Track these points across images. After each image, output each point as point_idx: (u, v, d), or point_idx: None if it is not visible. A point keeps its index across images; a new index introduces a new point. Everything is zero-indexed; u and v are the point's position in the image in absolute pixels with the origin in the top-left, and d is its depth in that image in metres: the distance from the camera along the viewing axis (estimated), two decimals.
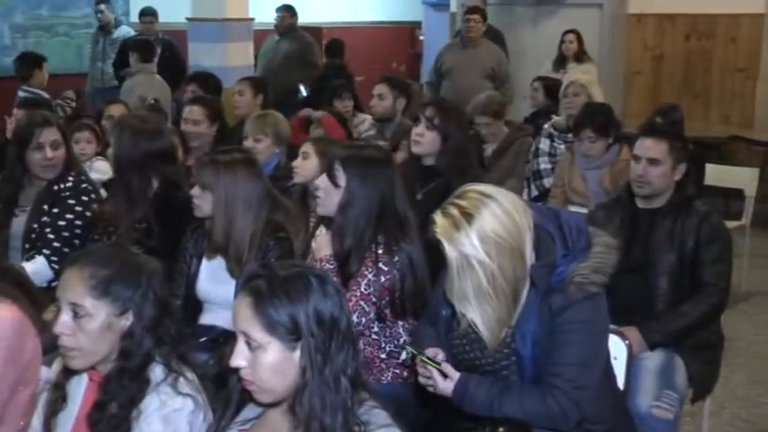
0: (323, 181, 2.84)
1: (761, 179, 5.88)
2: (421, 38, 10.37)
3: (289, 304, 1.77)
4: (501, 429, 2.22)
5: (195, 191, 3.09)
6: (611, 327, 2.86)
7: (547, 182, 5.02)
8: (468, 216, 2.18)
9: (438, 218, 2.22)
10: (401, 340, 2.80)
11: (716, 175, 5.61)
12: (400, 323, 2.80)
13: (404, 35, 9.06)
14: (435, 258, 2.73)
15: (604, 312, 2.31)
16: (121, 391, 1.97)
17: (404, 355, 2.37)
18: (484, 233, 2.16)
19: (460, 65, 7.06)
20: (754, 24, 7.71)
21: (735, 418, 3.99)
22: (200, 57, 7.63)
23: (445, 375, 2.28)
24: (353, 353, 1.81)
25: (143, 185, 3.43)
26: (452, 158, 3.59)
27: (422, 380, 2.33)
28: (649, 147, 3.23)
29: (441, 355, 2.33)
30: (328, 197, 2.82)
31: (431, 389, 2.32)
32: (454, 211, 2.20)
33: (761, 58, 7.73)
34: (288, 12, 8.43)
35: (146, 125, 3.58)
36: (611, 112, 4.64)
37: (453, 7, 9.10)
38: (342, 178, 2.77)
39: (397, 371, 2.80)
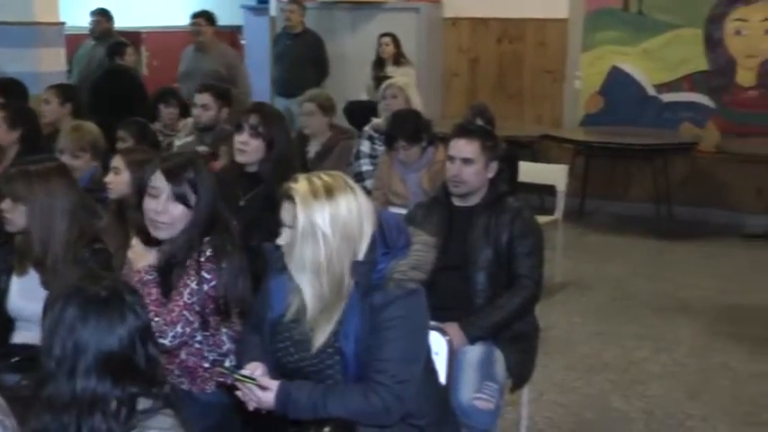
0: (166, 204, 2.68)
1: (570, 175, 6.19)
2: (243, 42, 10.29)
3: None
4: (326, 429, 2.23)
5: (5, 204, 2.94)
6: (433, 323, 2.93)
7: (369, 183, 5.08)
8: (330, 192, 2.24)
9: (301, 181, 2.27)
10: (225, 348, 2.76)
11: (530, 172, 5.79)
12: (224, 330, 2.77)
13: (225, 40, 8.97)
14: (257, 265, 2.73)
15: (423, 308, 2.37)
16: None
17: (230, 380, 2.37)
18: (337, 213, 2.23)
19: (194, 69, 7.19)
20: (560, 29, 8.09)
21: (553, 403, 4.15)
22: (6, 62, 7.26)
23: (265, 388, 2.28)
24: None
25: None
26: (276, 165, 3.54)
27: (241, 396, 2.33)
28: (462, 147, 3.33)
29: (259, 370, 2.33)
30: (174, 220, 2.69)
31: (252, 405, 2.31)
32: (318, 182, 2.26)
33: (566, 61, 8.13)
34: (103, 16, 8.16)
35: None
36: (420, 117, 4.74)
37: (273, 11, 9.08)
38: (189, 196, 2.68)
39: (221, 379, 2.77)
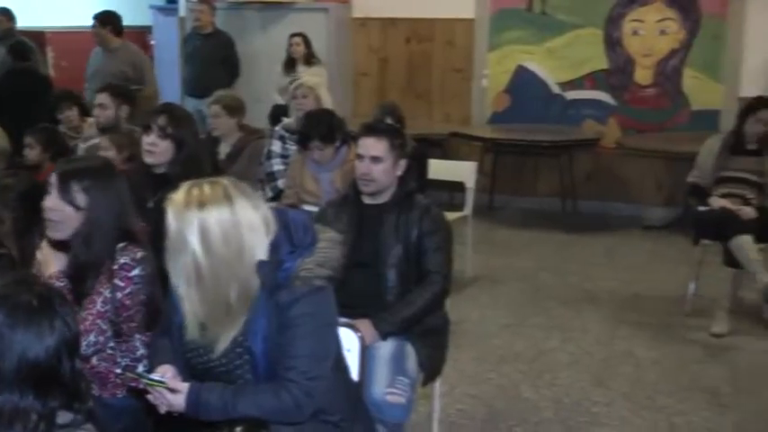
0: (55, 202, 2.68)
1: (479, 172, 6.32)
2: (152, 42, 10.16)
3: None
4: (237, 429, 2.25)
5: None
6: (345, 320, 2.98)
7: (280, 183, 5.12)
8: (202, 204, 2.22)
9: (180, 191, 2.26)
10: (138, 353, 2.76)
11: (439, 169, 5.89)
12: (137, 336, 2.77)
13: (134, 40, 8.82)
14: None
15: (331, 304, 2.39)
16: None
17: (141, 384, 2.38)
18: (205, 226, 2.21)
19: (100, 69, 7.14)
20: (467, 29, 8.24)
21: (464, 395, 4.24)
22: None
23: (175, 390, 2.29)
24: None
25: None
26: (186, 166, 3.52)
27: (152, 400, 2.34)
28: (370, 145, 3.36)
29: (169, 373, 2.34)
30: (64, 219, 2.67)
31: (164, 408, 2.32)
32: (195, 192, 2.24)
33: (474, 60, 8.28)
34: (4, 15, 7.98)
35: None
36: (334, 118, 4.77)
37: (182, 11, 9.00)
38: (78, 197, 2.66)
39: (133, 384, 2.76)
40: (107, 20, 7.23)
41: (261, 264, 2.27)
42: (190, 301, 2.27)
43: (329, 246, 2.39)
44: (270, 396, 2.27)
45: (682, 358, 4.75)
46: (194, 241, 2.21)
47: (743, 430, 3.94)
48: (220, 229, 2.22)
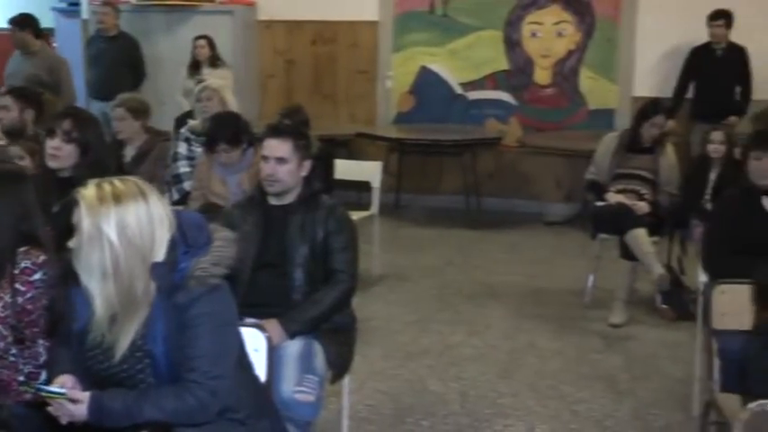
0: None
1: (385, 171, 6.42)
2: (55, 45, 9.97)
3: None
4: None
5: None
6: (252, 320, 3.02)
7: (187, 185, 5.10)
8: (118, 198, 2.23)
9: (90, 187, 2.26)
10: (41, 360, 2.73)
11: (346, 169, 5.96)
12: (40, 342, 2.73)
13: None
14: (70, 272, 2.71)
15: (229, 302, 2.40)
16: None
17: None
18: (123, 221, 2.22)
19: (16, 72, 7.04)
20: (371, 31, 8.34)
21: (374, 391, 4.30)
22: None
23: (75, 400, 2.28)
24: None
25: None
26: (91, 170, 3.49)
27: (53, 411, 2.31)
28: (275, 146, 3.38)
29: (69, 383, 2.33)
30: None
31: (65, 419, 2.31)
32: (107, 188, 2.24)
33: (378, 62, 8.39)
34: None
35: None
36: (239, 120, 4.78)
37: (85, 14, 8.86)
38: None
39: (29, 397, 2.70)
40: (25, 22, 7.11)
41: (155, 266, 2.27)
42: (105, 296, 2.26)
43: (224, 244, 2.40)
44: (173, 398, 2.28)
45: (582, 348, 4.92)
46: (112, 235, 2.21)
47: (639, 415, 4.11)
48: (137, 223, 2.24)
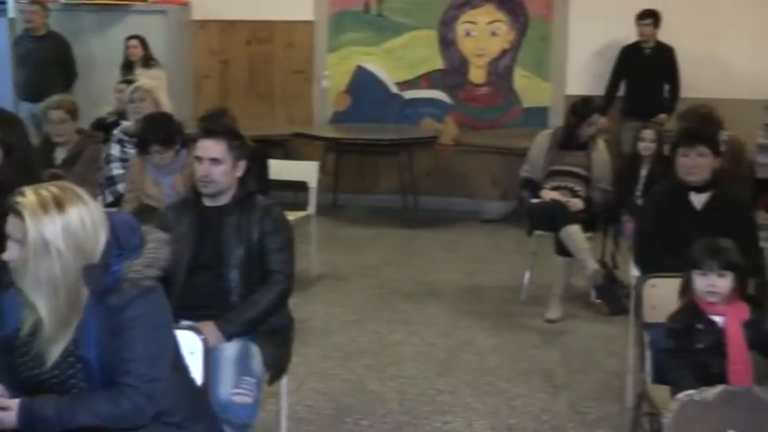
0: None
1: (322, 171, 6.41)
2: None
3: None
4: None
5: None
6: (188, 323, 3.01)
7: (120, 187, 5.04)
8: (60, 204, 2.18)
9: (28, 194, 2.20)
10: None
11: (282, 169, 5.93)
12: None
13: None
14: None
15: (163, 304, 2.38)
16: None
17: None
18: (69, 226, 2.18)
19: None
20: (306, 30, 8.33)
21: (313, 391, 4.29)
22: None
23: (4, 408, 2.23)
24: None
25: None
26: (17, 171, 3.44)
27: None
28: (209, 147, 3.36)
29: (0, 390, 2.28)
30: None
31: None
32: (46, 194, 2.19)
33: (314, 61, 8.38)
34: None
35: None
36: (172, 120, 4.74)
37: (12, 12, 8.68)
38: None
39: None
40: None
41: (87, 268, 2.23)
42: (53, 308, 2.20)
43: (157, 246, 2.38)
44: (108, 403, 2.24)
45: (519, 344, 4.98)
46: (60, 243, 2.17)
47: (575, 408, 4.18)
48: (83, 228, 2.20)
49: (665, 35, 7.43)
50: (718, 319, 3.03)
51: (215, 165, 3.36)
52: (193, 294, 3.29)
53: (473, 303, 5.67)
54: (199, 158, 3.40)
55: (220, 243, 3.35)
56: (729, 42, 7.62)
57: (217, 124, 5.16)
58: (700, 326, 3.03)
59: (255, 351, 3.29)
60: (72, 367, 2.29)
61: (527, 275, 5.70)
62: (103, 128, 6.01)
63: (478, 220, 7.77)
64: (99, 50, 8.36)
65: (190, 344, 2.72)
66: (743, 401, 2.35)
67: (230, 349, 3.21)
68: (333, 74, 8.35)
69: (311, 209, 6.03)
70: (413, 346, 4.95)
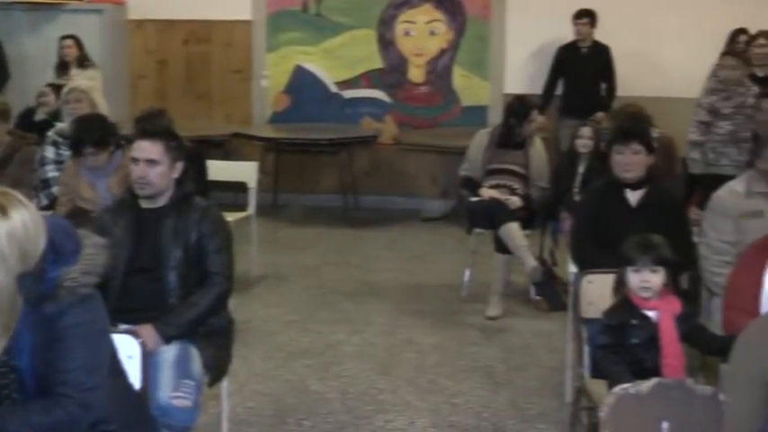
0: None
1: (262, 171, 6.39)
2: None
3: None
4: None
5: None
6: (125, 327, 2.98)
7: (56, 190, 4.94)
8: (3, 209, 2.11)
9: None
10: None
11: (222, 170, 5.88)
12: None
13: None
14: None
15: (101, 312, 2.34)
16: None
17: None
18: (13, 233, 2.11)
19: None
20: (245, 30, 8.28)
21: (254, 392, 4.27)
22: None
23: None
24: None
25: None
26: None
27: None
28: (145, 148, 3.34)
29: None
30: None
31: None
32: None
33: (253, 61, 8.33)
34: None
35: None
36: (105, 122, 4.69)
37: None
38: None
39: None
40: None
41: (21, 276, 2.15)
42: (7, 312, 2.14)
43: (94, 251, 2.32)
44: (41, 413, 2.19)
45: (460, 342, 5.02)
46: (5, 249, 2.09)
47: (516, 404, 4.22)
48: (25, 232, 2.13)
49: (601, 34, 7.54)
50: (651, 313, 3.09)
51: (151, 166, 3.34)
52: (131, 297, 3.26)
53: (414, 302, 5.70)
54: (135, 160, 3.37)
55: (158, 245, 3.32)
56: (663, 42, 7.77)
57: (153, 125, 5.14)
58: (634, 321, 3.09)
59: (195, 354, 3.26)
60: (5, 378, 2.23)
61: (467, 273, 5.74)
62: (31, 124, 5.92)
63: (419, 219, 7.81)
64: (33, 50, 8.20)
65: (127, 348, 2.69)
66: (676, 394, 2.40)
67: (169, 352, 3.18)
68: (272, 73, 8.31)
69: (251, 209, 6.00)
70: (354, 345, 4.96)
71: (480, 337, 5.11)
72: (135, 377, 2.67)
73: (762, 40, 6.54)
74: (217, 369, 3.39)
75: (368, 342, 5.01)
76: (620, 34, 7.58)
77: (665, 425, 2.34)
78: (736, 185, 3.87)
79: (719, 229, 3.79)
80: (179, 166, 3.42)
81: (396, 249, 6.95)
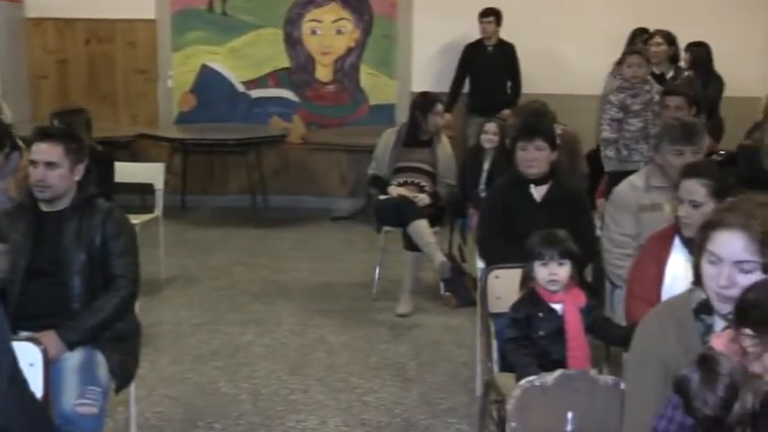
0: None
1: (169, 172, 6.29)
2: None
3: None
4: None
5: None
6: (26, 333, 2.90)
7: None
8: None
9: None
10: None
11: (128, 172, 5.77)
12: None
13: None
14: None
15: (1, 320, 2.29)
16: None
17: None
18: None
19: None
20: (149, 29, 8.15)
21: (163, 397, 4.21)
22: None
23: None
24: None
25: None
26: None
27: None
28: (44, 151, 3.26)
29: None
30: None
31: None
32: None
33: (158, 61, 8.20)
34: None
35: None
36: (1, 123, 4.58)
37: None
38: None
39: None
40: None
41: None
42: None
43: None
44: None
45: (370, 340, 5.03)
46: None
47: (427, 400, 4.26)
48: None
49: (506, 33, 7.66)
50: (557, 306, 3.15)
51: (51, 169, 3.26)
52: (32, 303, 3.18)
53: (324, 301, 5.69)
54: (34, 162, 3.29)
55: (60, 249, 3.25)
56: (566, 40, 7.93)
57: (74, 122, 5.03)
58: (540, 314, 3.14)
59: (100, 359, 3.20)
60: None
61: (377, 271, 5.77)
62: None
63: (328, 218, 7.81)
64: None
65: (29, 355, 2.64)
66: (580, 384, 2.45)
67: (73, 359, 3.12)
68: (177, 73, 8.20)
69: (158, 211, 5.91)
70: (264, 346, 4.93)
71: (390, 334, 5.14)
72: (37, 385, 2.61)
73: (658, 39, 6.75)
74: (124, 374, 3.33)
75: (278, 342, 4.98)
76: (525, 33, 7.71)
77: (569, 415, 2.39)
78: (636, 180, 3.97)
79: (620, 222, 3.88)
80: (80, 168, 3.34)
81: (305, 249, 6.94)
